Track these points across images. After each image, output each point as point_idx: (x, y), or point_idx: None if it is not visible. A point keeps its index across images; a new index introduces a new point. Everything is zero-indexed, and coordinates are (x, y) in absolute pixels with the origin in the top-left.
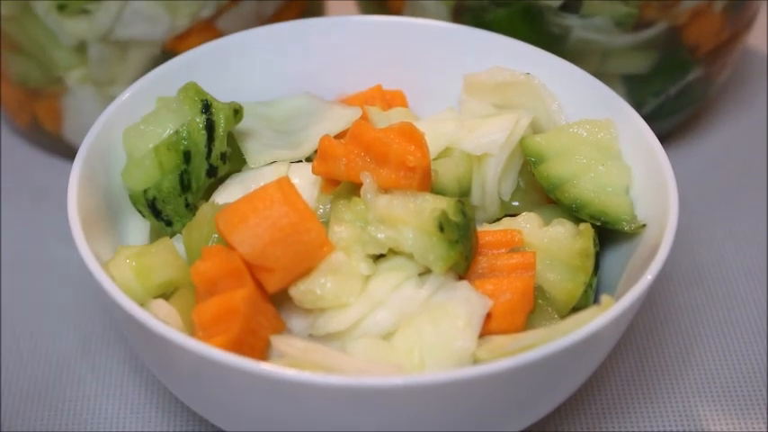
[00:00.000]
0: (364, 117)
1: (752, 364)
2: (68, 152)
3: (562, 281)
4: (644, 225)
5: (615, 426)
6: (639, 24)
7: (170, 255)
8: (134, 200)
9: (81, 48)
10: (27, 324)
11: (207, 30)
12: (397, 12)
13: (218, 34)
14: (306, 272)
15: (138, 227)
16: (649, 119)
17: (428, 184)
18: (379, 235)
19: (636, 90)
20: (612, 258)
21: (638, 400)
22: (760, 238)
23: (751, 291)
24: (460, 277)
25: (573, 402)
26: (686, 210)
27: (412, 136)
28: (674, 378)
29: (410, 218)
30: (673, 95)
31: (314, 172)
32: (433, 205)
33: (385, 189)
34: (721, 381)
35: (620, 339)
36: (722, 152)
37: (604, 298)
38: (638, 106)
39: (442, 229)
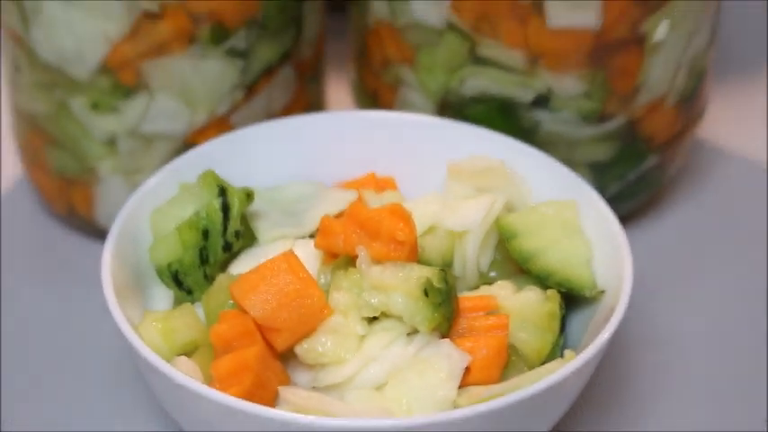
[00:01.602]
0: (359, 199)
1: (702, 417)
2: (101, 235)
3: (532, 340)
4: (603, 291)
5: None
6: (602, 118)
7: (191, 318)
8: (159, 272)
9: (111, 141)
10: (61, 390)
11: (222, 124)
12: (389, 106)
13: (233, 128)
14: (309, 332)
15: (162, 295)
16: (612, 201)
17: (415, 256)
18: (372, 300)
19: (600, 175)
20: (576, 320)
21: None
22: (710, 308)
23: (701, 353)
24: (443, 336)
25: None
26: (644, 281)
27: (401, 214)
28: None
29: (399, 285)
30: (632, 181)
31: (316, 246)
32: (419, 274)
33: (377, 260)
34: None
35: (584, 393)
36: (677, 231)
37: (567, 352)
38: (602, 190)
39: (426, 294)
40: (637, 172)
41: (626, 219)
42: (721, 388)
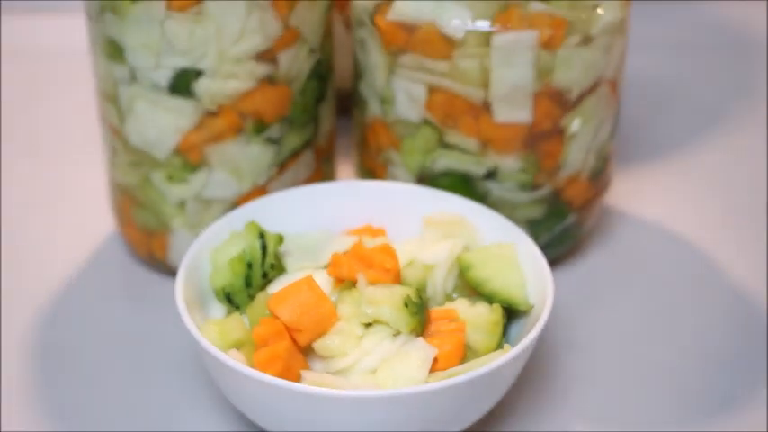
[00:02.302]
0: (359, 242)
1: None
2: (173, 273)
3: (482, 340)
4: (533, 306)
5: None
6: (534, 187)
7: (239, 323)
8: (216, 293)
9: (181, 204)
10: (144, 385)
11: (261, 192)
12: (381, 179)
13: (268, 194)
14: (322, 333)
15: (218, 309)
16: (543, 248)
17: (399, 280)
18: (368, 311)
19: (534, 229)
20: (515, 326)
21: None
22: (613, 322)
23: (607, 355)
24: (418, 336)
25: (488, 421)
26: (564, 304)
27: (388, 251)
28: (556, 411)
29: (387, 300)
30: (557, 234)
31: (328, 274)
32: (401, 292)
33: (372, 283)
34: (590, 413)
35: (519, 385)
36: (590, 270)
37: (506, 346)
38: (535, 239)
39: (407, 306)
40: (560, 227)
41: (553, 261)
42: (626, 384)
